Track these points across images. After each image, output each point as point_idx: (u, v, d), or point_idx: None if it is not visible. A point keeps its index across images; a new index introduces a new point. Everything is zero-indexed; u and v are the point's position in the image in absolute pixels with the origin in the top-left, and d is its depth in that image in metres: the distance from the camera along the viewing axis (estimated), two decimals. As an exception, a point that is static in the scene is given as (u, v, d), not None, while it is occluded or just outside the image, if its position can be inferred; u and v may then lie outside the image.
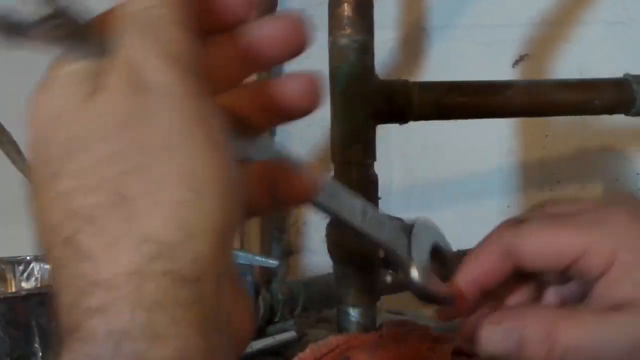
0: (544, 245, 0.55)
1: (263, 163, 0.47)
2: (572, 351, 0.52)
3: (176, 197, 0.38)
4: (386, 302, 1.10)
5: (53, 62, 0.41)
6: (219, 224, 0.39)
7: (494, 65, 1.36)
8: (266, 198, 0.47)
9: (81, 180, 0.39)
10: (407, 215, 0.94)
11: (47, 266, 0.91)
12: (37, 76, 0.43)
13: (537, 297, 0.59)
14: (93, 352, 0.36)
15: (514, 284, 0.58)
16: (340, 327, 0.94)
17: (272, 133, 1.52)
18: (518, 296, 0.59)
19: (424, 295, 0.56)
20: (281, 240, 1.53)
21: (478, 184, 1.40)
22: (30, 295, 0.83)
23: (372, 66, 0.92)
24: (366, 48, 0.92)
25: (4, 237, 1.06)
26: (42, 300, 0.83)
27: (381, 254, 0.91)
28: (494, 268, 0.57)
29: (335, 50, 0.92)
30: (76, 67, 0.41)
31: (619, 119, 1.04)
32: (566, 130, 1.34)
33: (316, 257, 1.48)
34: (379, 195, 0.94)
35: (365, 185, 0.92)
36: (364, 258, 0.92)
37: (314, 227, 1.50)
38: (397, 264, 0.56)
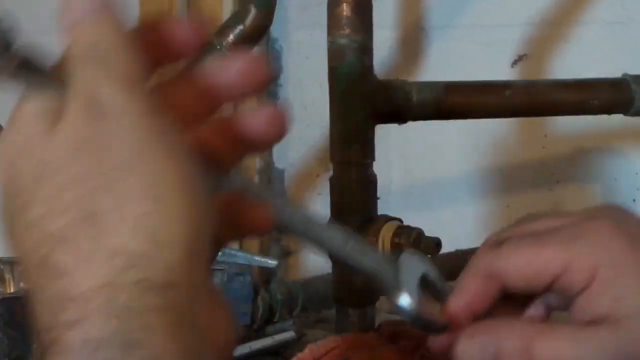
0: (525, 265, 0.55)
1: (226, 195, 0.49)
2: None
3: (141, 209, 0.40)
4: (385, 303, 1.10)
5: (18, 101, 0.44)
6: (187, 232, 0.41)
7: (492, 65, 1.36)
8: (230, 229, 0.49)
9: (50, 205, 0.41)
10: (407, 215, 0.95)
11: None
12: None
13: (524, 309, 0.59)
14: None
15: (502, 300, 0.58)
16: (339, 327, 0.93)
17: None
18: (505, 311, 0.59)
19: (417, 322, 0.55)
20: (280, 240, 1.53)
21: (477, 184, 1.40)
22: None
23: (371, 66, 0.92)
24: (365, 48, 0.92)
25: (3, 237, 1.06)
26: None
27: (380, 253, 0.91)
28: (480, 293, 0.56)
29: (334, 50, 0.92)
30: (37, 103, 0.43)
31: (618, 118, 1.05)
32: (565, 130, 1.34)
33: (315, 257, 1.48)
34: (378, 195, 0.94)
35: (365, 185, 0.92)
36: (363, 258, 0.92)
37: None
38: (385, 292, 0.56)
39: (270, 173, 1.52)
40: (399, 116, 0.95)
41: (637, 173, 1.31)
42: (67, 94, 0.43)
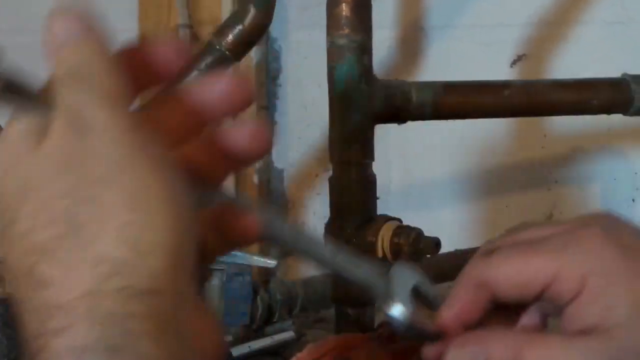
0: (515, 275, 0.55)
1: (214, 209, 0.50)
2: None
3: (123, 218, 0.42)
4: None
5: (6, 123, 0.46)
6: (170, 241, 0.43)
7: (492, 65, 1.36)
8: (219, 242, 0.50)
9: (35, 218, 0.42)
10: (406, 215, 0.95)
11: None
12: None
13: (519, 316, 0.59)
14: None
15: (496, 308, 0.58)
16: (338, 327, 0.93)
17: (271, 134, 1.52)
18: (498, 320, 0.59)
19: (410, 332, 0.55)
20: (279, 240, 1.53)
21: (476, 184, 1.40)
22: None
23: (371, 66, 0.92)
24: (364, 48, 0.92)
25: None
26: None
27: (380, 253, 0.91)
28: (471, 302, 0.56)
29: (333, 50, 0.92)
30: (23, 124, 0.45)
31: (617, 118, 1.05)
32: (564, 130, 1.34)
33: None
34: (378, 195, 0.94)
35: (364, 185, 0.92)
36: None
37: (312, 227, 1.50)
38: (378, 303, 0.56)
39: (269, 173, 1.52)
40: (398, 116, 0.95)
41: (636, 173, 1.31)
42: (52, 114, 0.44)
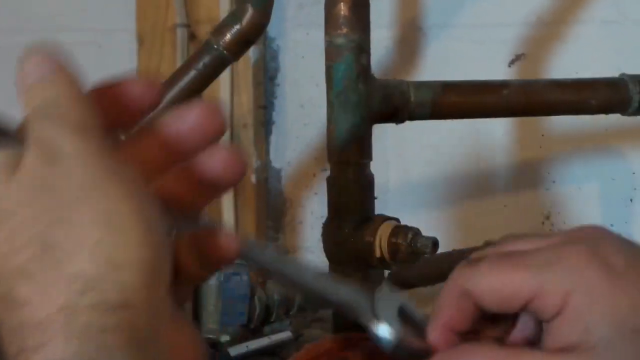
0: (498, 287, 0.55)
1: (191, 234, 0.52)
2: None
3: (96, 237, 0.44)
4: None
5: None
6: (143, 256, 0.44)
7: (490, 64, 1.36)
8: (196, 265, 0.52)
9: (10, 244, 0.44)
10: (404, 214, 0.94)
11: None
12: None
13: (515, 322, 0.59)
14: None
15: (491, 318, 0.58)
16: (335, 327, 0.93)
17: (268, 133, 1.52)
18: (495, 330, 0.59)
19: (399, 351, 0.54)
20: (277, 239, 1.53)
21: (474, 184, 1.40)
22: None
23: (369, 66, 0.92)
24: (362, 47, 0.92)
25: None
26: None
27: (377, 253, 0.91)
28: (457, 310, 0.56)
29: (331, 50, 0.92)
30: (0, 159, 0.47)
31: (615, 118, 1.04)
32: (562, 130, 1.34)
33: (312, 256, 1.48)
34: (376, 194, 0.94)
35: (362, 185, 0.92)
36: (360, 258, 0.92)
37: (310, 227, 1.50)
38: (363, 324, 0.55)
39: (267, 172, 1.52)
40: (397, 116, 0.95)
41: (634, 173, 1.31)
42: (24, 147, 0.46)
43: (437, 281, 1.13)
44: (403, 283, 1.14)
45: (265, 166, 1.52)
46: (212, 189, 0.52)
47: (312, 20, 1.44)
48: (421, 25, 1.43)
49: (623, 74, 1.02)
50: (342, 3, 0.91)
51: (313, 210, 1.50)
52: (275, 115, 1.52)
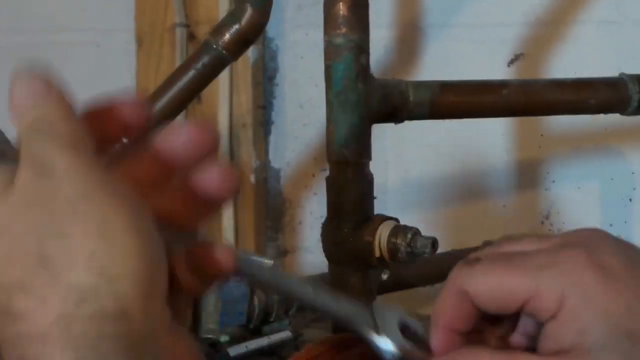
0: (494, 288, 0.55)
1: (187, 250, 0.53)
2: None
3: (90, 248, 0.44)
4: (382, 302, 1.10)
5: None
6: (137, 267, 0.45)
7: (489, 64, 1.36)
8: (193, 279, 0.52)
9: (5, 258, 0.45)
10: (403, 214, 0.94)
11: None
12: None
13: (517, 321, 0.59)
14: None
15: (493, 317, 0.58)
16: (335, 326, 0.93)
17: (267, 133, 1.52)
18: (497, 329, 0.59)
19: None
20: (276, 239, 1.53)
21: (474, 184, 1.40)
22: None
23: (368, 65, 0.92)
24: (362, 47, 0.92)
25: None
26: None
27: (377, 253, 0.91)
28: (456, 310, 0.56)
29: (330, 50, 0.92)
30: None
31: (614, 118, 1.04)
32: (561, 130, 1.34)
33: (312, 256, 1.48)
34: (375, 194, 0.94)
35: (361, 185, 0.92)
36: (360, 258, 0.91)
37: (309, 227, 1.50)
38: (365, 338, 0.56)
39: (266, 172, 1.52)
40: (396, 115, 0.95)
41: (633, 173, 1.31)
42: (17, 164, 0.47)
43: (437, 281, 1.13)
44: (403, 283, 1.14)
45: (265, 166, 1.52)
46: (207, 205, 0.53)
47: (311, 21, 1.44)
48: (420, 25, 1.43)
49: (622, 74, 1.02)
50: (341, 3, 0.91)
51: (312, 210, 1.50)
52: (274, 115, 1.52)
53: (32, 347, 0.43)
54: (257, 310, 1.11)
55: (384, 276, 0.99)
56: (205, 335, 1.07)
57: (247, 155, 1.49)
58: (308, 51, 1.47)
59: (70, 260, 0.44)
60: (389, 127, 0.97)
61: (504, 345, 0.59)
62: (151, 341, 0.45)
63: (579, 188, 1.34)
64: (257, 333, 1.10)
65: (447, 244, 1.02)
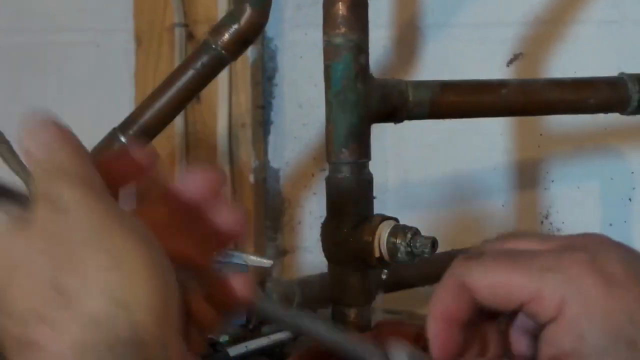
0: (496, 284, 0.55)
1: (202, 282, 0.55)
2: None
3: (105, 278, 0.47)
4: (382, 302, 1.10)
5: None
6: (151, 296, 0.47)
7: (488, 64, 1.36)
8: (209, 310, 0.55)
9: (23, 288, 0.47)
10: (403, 214, 0.94)
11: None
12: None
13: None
14: None
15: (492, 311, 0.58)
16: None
17: (266, 132, 1.52)
18: (495, 323, 0.59)
19: None
20: (275, 239, 1.53)
21: (473, 183, 1.40)
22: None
23: (367, 65, 0.92)
24: (361, 47, 0.92)
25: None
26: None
27: (376, 253, 0.91)
28: (455, 301, 0.57)
29: (329, 49, 0.92)
30: (8, 215, 0.51)
31: (614, 117, 1.04)
32: (561, 129, 1.34)
33: (311, 256, 1.48)
34: (374, 194, 0.94)
35: (361, 185, 0.92)
36: (359, 257, 0.91)
37: (308, 226, 1.50)
38: None
39: (265, 172, 1.52)
40: (395, 115, 0.95)
41: (633, 172, 1.31)
42: (33, 203, 0.50)
43: (437, 281, 1.12)
44: (403, 283, 1.14)
45: (264, 166, 1.52)
46: (217, 243, 0.56)
47: (310, 21, 1.44)
48: (419, 25, 1.43)
49: (622, 73, 1.02)
50: (340, 3, 0.91)
51: (312, 210, 1.50)
52: (273, 115, 1.52)
53: None
54: (256, 310, 1.11)
55: (383, 277, 0.99)
56: (204, 335, 1.07)
57: (246, 155, 1.49)
58: (307, 51, 1.47)
59: (85, 289, 0.46)
60: (389, 127, 0.96)
61: (504, 340, 0.59)
62: None
63: (578, 188, 1.34)
64: (256, 333, 1.10)
65: (447, 243, 1.02)
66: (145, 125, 1.09)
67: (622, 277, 0.54)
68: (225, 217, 0.56)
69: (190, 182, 0.55)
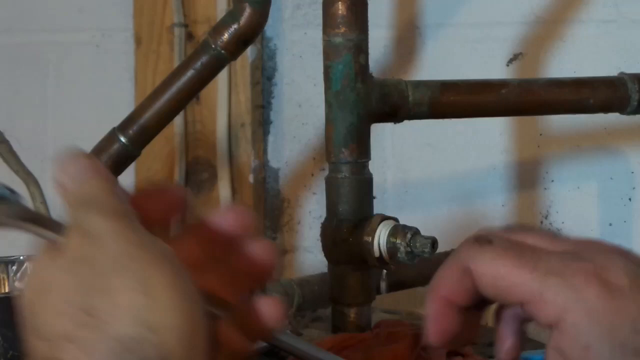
0: (499, 277, 0.55)
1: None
2: None
3: (134, 302, 0.48)
4: (381, 302, 1.10)
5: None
6: (178, 319, 0.48)
7: (488, 64, 1.36)
8: (238, 337, 0.56)
9: (54, 311, 0.49)
10: (403, 214, 0.94)
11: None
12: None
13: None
14: None
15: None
16: (335, 326, 0.93)
17: (266, 132, 1.52)
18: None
19: None
20: (275, 239, 1.53)
21: (473, 183, 1.40)
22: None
23: (367, 65, 0.92)
24: (361, 47, 0.92)
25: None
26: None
27: (376, 252, 0.91)
28: (457, 284, 0.56)
29: (329, 49, 0.92)
30: (45, 243, 0.53)
31: (614, 117, 1.04)
32: (560, 129, 1.34)
33: (310, 256, 1.48)
34: (374, 194, 0.94)
35: (360, 185, 0.92)
36: (359, 257, 0.91)
37: (308, 226, 1.50)
38: None
39: (265, 172, 1.52)
40: (395, 115, 0.95)
41: (632, 172, 1.31)
42: (66, 232, 0.52)
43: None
44: (402, 283, 1.14)
45: (263, 166, 1.52)
46: (249, 281, 0.57)
47: (309, 20, 1.44)
48: (419, 25, 1.43)
49: (622, 73, 1.02)
50: (340, 2, 0.92)
51: (311, 210, 1.50)
52: (273, 115, 1.52)
53: None
54: (256, 310, 1.11)
55: (382, 283, 1.00)
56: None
57: (246, 155, 1.48)
58: (307, 51, 1.47)
59: (115, 313, 0.48)
60: (389, 126, 0.97)
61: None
62: None
63: (578, 187, 1.34)
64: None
65: (447, 243, 1.02)
66: (144, 125, 1.09)
67: (627, 288, 0.53)
68: (257, 252, 0.57)
69: (222, 218, 0.57)
